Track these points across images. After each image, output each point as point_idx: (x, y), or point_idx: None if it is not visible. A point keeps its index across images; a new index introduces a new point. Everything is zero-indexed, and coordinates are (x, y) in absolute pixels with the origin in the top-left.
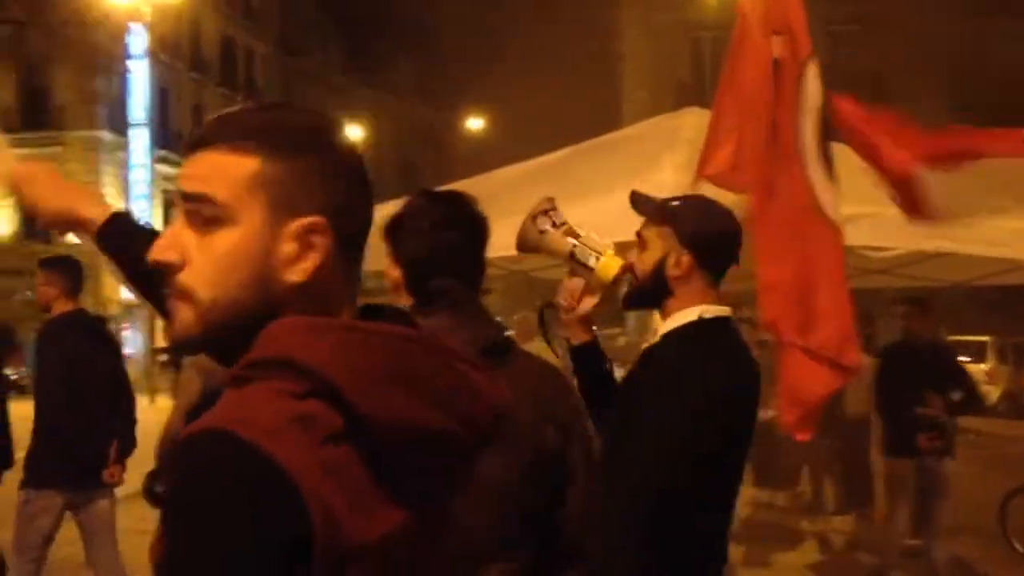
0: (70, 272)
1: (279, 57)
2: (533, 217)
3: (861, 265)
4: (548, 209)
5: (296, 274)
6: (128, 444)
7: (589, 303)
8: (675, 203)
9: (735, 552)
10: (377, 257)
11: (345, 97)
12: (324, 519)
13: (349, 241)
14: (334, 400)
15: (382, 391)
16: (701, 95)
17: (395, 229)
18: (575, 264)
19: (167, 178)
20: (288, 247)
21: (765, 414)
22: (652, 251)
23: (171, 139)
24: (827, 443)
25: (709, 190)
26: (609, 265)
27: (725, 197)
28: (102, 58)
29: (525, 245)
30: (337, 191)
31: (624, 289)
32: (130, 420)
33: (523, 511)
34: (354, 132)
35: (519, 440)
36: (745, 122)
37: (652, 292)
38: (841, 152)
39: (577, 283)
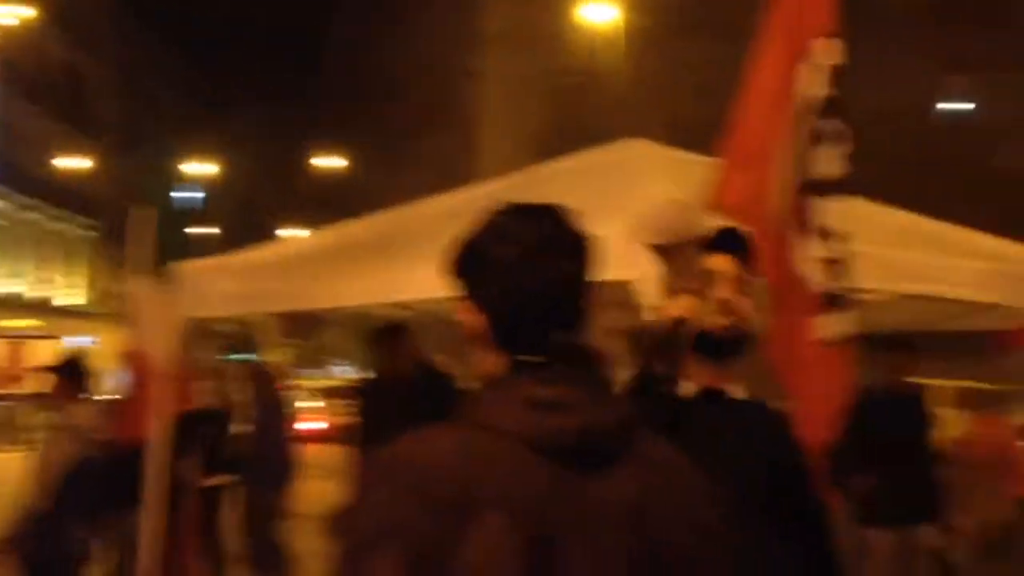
0: None
1: (126, 92)
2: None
3: None
4: None
5: None
6: None
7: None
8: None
9: None
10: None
11: (193, 134)
12: None
13: None
14: None
15: None
16: (559, 141)
17: (473, 261)
18: None
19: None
20: None
21: None
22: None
23: (11, 175)
24: None
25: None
26: None
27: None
28: None
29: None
30: None
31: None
32: None
33: None
34: (202, 168)
35: (661, 547)
36: (761, 147)
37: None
38: None
39: None
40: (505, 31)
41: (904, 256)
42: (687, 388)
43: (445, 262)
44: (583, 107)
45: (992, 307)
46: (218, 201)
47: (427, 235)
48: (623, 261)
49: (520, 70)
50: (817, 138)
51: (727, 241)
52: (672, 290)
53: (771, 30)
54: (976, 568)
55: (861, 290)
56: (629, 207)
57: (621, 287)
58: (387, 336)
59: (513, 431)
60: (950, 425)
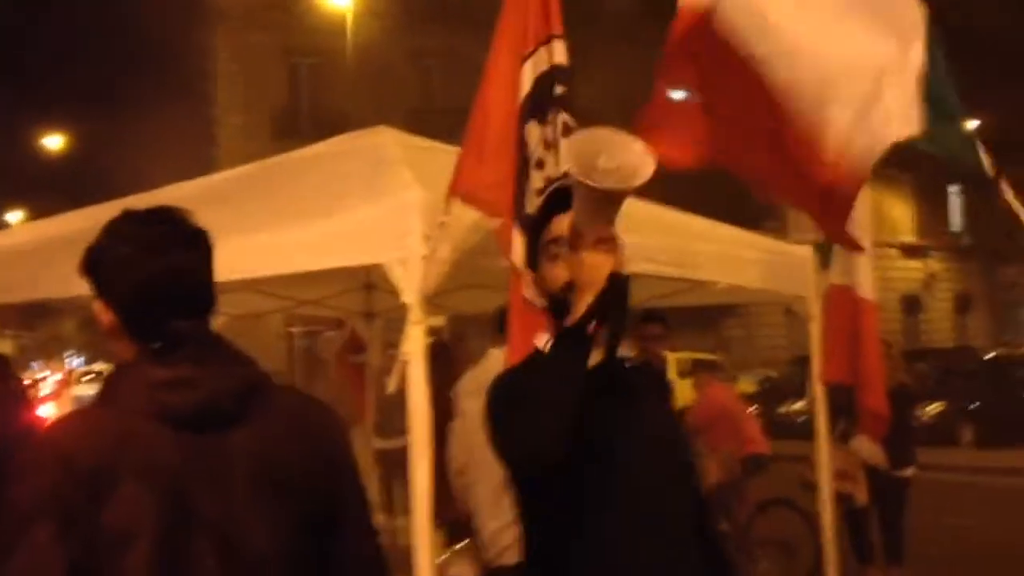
0: None
1: None
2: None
3: None
4: None
5: None
6: None
7: None
8: None
9: None
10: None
11: None
12: None
13: None
14: None
15: None
16: (296, 122)
17: (97, 262)
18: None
19: None
20: None
21: None
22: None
23: None
24: None
25: (462, 210)
26: None
27: (466, 217)
28: None
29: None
30: None
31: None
32: None
33: (297, 552)
34: None
35: (288, 481)
36: (500, 140)
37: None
38: None
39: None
40: (237, 7)
41: (639, 240)
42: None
43: (78, 265)
44: (320, 89)
45: (712, 284)
46: None
47: None
48: (374, 246)
49: (255, 48)
50: (557, 133)
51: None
52: (586, 243)
53: (501, 29)
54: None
55: None
56: (376, 193)
57: (372, 271)
58: None
59: (141, 409)
60: (678, 394)
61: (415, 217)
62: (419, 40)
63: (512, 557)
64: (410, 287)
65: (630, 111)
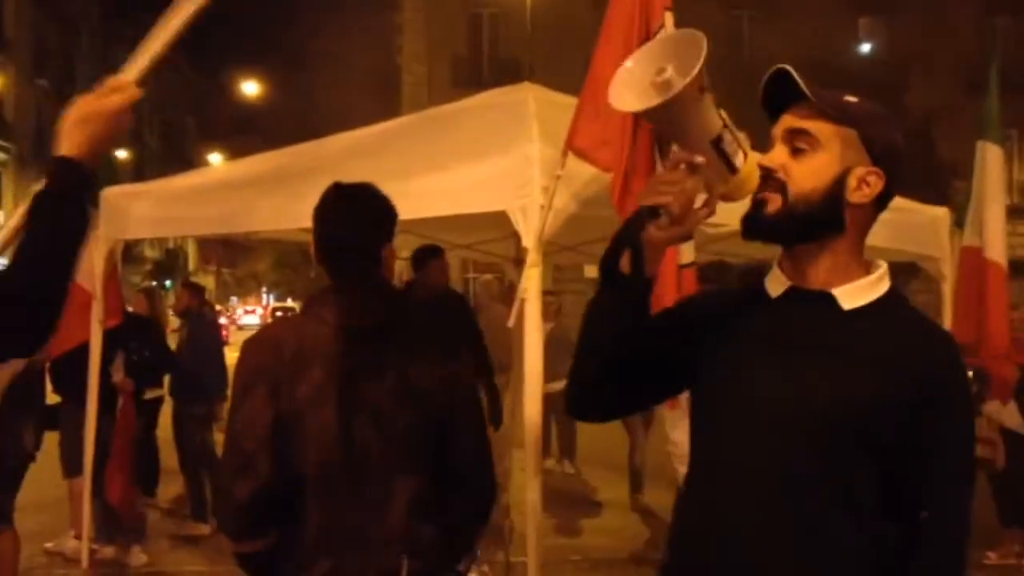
0: None
1: (31, 6)
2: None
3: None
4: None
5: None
6: None
7: (704, 216)
8: (852, 100)
9: None
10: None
11: (103, 53)
12: None
13: None
14: None
15: None
16: (478, 70)
17: (315, 215)
18: (715, 155)
19: None
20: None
21: None
22: (826, 158)
23: None
24: None
25: (576, 164)
26: (754, 171)
27: (586, 171)
28: None
29: (663, 102)
30: None
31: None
32: None
33: (426, 432)
34: None
35: (419, 384)
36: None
37: (816, 221)
38: None
39: (695, 183)
40: None
41: None
42: (776, 283)
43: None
44: (500, 39)
45: None
46: (137, 123)
47: (335, 168)
48: (500, 194)
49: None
50: None
51: (775, 91)
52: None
53: None
54: None
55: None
56: (506, 146)
57: (502, 217)
58: (427, 255)
59: (330, 321)
60: None
61: (535, 169)
62: None
63: None
64: (529, 233)
65: (832, 65)
